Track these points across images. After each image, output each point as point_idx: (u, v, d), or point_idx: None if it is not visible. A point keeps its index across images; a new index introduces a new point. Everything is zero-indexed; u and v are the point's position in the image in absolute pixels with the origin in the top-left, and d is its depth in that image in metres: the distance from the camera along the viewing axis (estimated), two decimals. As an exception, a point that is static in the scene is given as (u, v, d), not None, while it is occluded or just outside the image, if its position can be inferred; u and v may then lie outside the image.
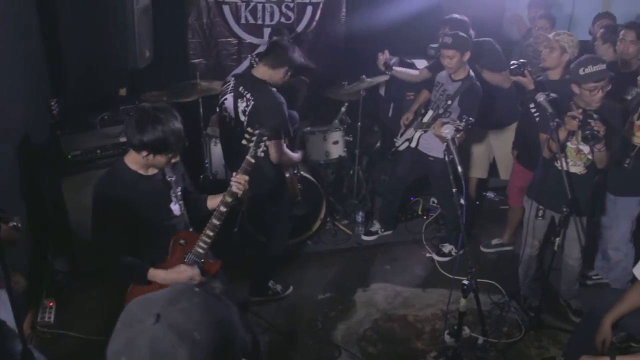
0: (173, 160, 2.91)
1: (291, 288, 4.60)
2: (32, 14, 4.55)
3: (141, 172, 2.94)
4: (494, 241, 5.32)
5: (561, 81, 4.26)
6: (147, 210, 2.93)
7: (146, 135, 2.73)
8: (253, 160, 3.08)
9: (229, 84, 4.06)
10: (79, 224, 4.23)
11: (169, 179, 3.03)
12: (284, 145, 3.98)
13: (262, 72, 3.92)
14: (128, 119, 2.84)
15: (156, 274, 2.92)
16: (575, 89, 3.79)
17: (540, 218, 4.09)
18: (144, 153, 2.79)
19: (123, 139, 4.53)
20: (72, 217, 4.29)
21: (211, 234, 2.99)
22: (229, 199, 3.01)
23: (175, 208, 3.06)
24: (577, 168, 3.95)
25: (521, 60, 4.27)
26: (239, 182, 3.01)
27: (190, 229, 3.15)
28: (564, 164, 3.80)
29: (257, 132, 3.10)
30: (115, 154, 4.44)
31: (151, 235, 2.97)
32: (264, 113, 3.83)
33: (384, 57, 5.12)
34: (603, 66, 3.67)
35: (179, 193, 3.09)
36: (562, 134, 3.76)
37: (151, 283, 2.94)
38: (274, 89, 3.92)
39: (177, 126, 2.81)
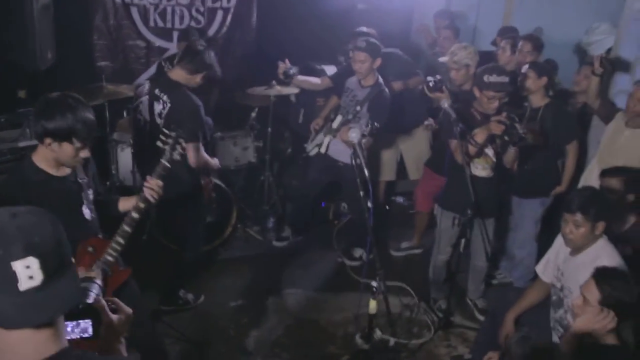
0: (82, 155, 2.71)
1: (202, 297, 4.51)
2: None
3: (51, 172, 2.75)
4: (404, 244, 5.41)
5: (471, 91, 4.44)
6: (56, 213, 2.76)
7: (51, 122, 2.56)
8: (168, 165, 2.98)
9: (144, 87, 3.96)
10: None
11: (80, 180, 2.86)
12: (202, 149, 3.89)
13: (177, 75, 3.84)
14: (34, 107, 2.66)
15: None
16: (476, 92, 3.99)
17: (457, 227, 4.16)
18: (48, 141, 2.60)
19: (22, 144, 4.33)
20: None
21: (122, 241, 2.86)
22: (141, 205, 2.90)
23: (87, 212, 2.90)
24: (485, 172, 4.09)
25: (437, 77, 4.35)
26: (152, 187, 2.91)
27: (100, 235, 2.99)
28: (471, 167, 3.96)
29: (173, 133, 3.01)
30: (12, 159, 4.22)
31: None
32: (181, 115, 3.75)
33: (284, 66, 5.11)
34: (506, 79, 3.88)
35: (90, 196, 2.93)
36: (481, 137, 3.86)
37: None
38: (191, 93, 3.84)
39: (88, 115, 2.65)
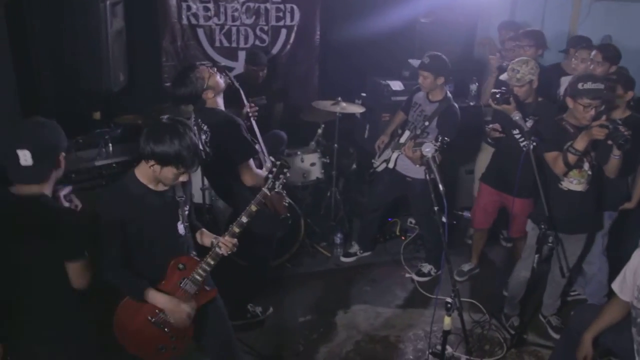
0: (182, 178, 2.81)
1: (271, 309, 4.53)
2: (3, 38, 4.47)
3: (151, 186, 2.84)
4: (465, 267, 5.25)
5: (534, 103, 4.38)
6: (153, 226, 2.85)
7: (159, 146, 2.66)
8: (269, 193, 3.05)
9: (191, 119, 3.95)
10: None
11: (178, 198, 2.94)
12: (252, 166, 3.83)
13: (210, 101, 3.79)
14: (146, 128, 2.77)
15: (156, 298, 2.85)
16: (569, 103, 3.84)
17: (551, 244, 4.05)
18: (151, 162, 2.71)
19: (98, 163, 4.48)
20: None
21: (212, 262, 2.95)
22: (211, 261, 2.98)
23: (181, 228, 2.98)
24: (580, 186, 3.97)
25: (503, 89, 4.30)
26: (226, 244, 2.98)
27: (193, 254, 3.06)
28: (566, 182, 3.94)
29: (278, 162, 3.04)
30: (90, 178, 4.36)
31: (153, 254, 2.90)
32: (222, 139, 3.74)
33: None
34: (601, 86, 3.73)
35: (186, 213, 3.01)
36: (582, 145, 3.72)
37: (146, 302, 2.87)
38: (229, 114, 3.82)
39: (194, 142, 2.74)
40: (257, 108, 4.34)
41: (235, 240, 3.00)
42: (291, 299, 4.80)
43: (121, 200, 2.80)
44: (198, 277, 2.94)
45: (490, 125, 4.62)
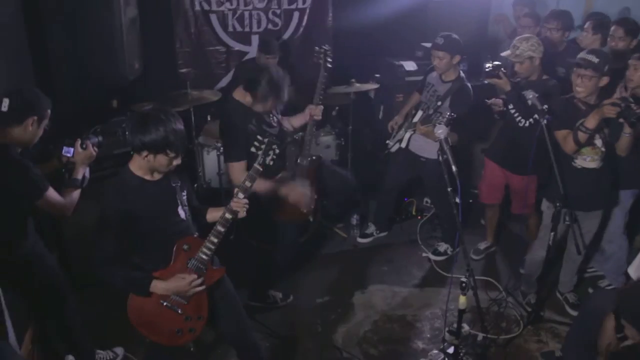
0: (175, 162, 2.90)
1: (291, 297, 4.59)
2: (21, 30, 4.54)
3: (146, 177, 2.94)
4: (481, 245, 5.27)
5: (538, 81, 4.36)
6: (154, 215, 2.93)
7: (147, 136, 2.76)
8: (261, 169, 3.06)
9: None
10: (75, 238, 4.23)
11: (173, 184, 3.03)
12: (238, 169, 3.86)
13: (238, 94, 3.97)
14: (128, 122, 2.89)
15: (157, 287, 2.93)
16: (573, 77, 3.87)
17: (568, 222, 4.05)
18: (145, 153, 2.81)
19: (117, 151, 4.54)
20: (68, 232, 4.29)
21: (215, 240, 2.99)
22: (228, 217, 3.00)
23: (182, 212, 3.05)
24: (594, 163, 3.96)
25: (495, 63, 4.30)
26: (238, 204, 3.01)
27: (196, 234, 3.12)
28: (579, 160, 3.94)
29: (266, 139, 3.08)
30: (108, 167, 4.43)
31: (158, 240, 2.97)
32: (221, 132, 4.07)
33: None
34: (595, 58, 3.75)
35: (184, 198, 3.08)
36: (592, 123, 3.70)
37: (152, 295, 2.95)
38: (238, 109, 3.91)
39: (179, 126, 2.84)
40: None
41: (244, 200, 3.02)
42: (308, 280, 4.86)
43: (120, 195, 2.88)
44: (204, 256, 2.99)
45: (492, 100, 4.63)
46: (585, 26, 4.99)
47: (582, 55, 3.83)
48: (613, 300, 3.39)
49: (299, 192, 4.00)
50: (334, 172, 4.60)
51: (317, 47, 4.39)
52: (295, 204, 4.02)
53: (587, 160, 3.96)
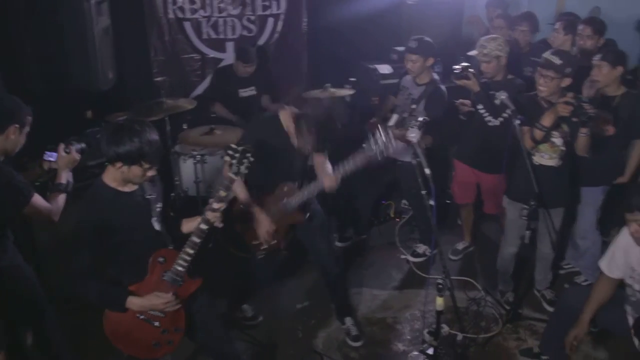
0: (149, 174, 2.87)
1: (261, 318, 4.45)
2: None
3: (120, 189, 2.91)
4: (459, 246, 5.31)
5: (504, 80, 4.42)
6: (129, 227, 2.90)
7: (121, 147, 2.73)
8: (235, 177, 2.97)
9: None
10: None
11: (148, 196, 3.01)
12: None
13: None
14: (102, 133, 2.86)
15: (132, 303, 2.91)
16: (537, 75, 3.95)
17: (525, 218, 4.10)
18: (119, 164, 2.78)
19: (91, 162, 4.51)
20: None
21: (191, 251, 2.95)
22: (204, 227, 2.95)
23: (157, 224, 3.04)
24: (552, 161, 4.03)
25: (463, 64, 4.34)
26: (213, 214, 2.94)
27: (171, 247, 3.11)
28: (537, 157, 3.99)
29: (240, 148, 2.96)
30: (84, 178, 4.40)
31: (133, 253, 2.94)
32: None
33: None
34: (558, 60, 3.82)
35: (159, 210, 3.07)
36: (548, 121, 3.80)
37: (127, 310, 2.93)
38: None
39: (154, 137, 2.81)
40: None
41: (219, 211, 2.96)
42: (288, 286, 4.85)
43: (94, 208, 2.86)
44: (180, 268, 2.96)
45: (460, 100, 4.67)
46: (556, 26, 5.06)
47: (546, 55, 3.90)
48: (581, 296, 3.46)
49: (265, 224, 3.82)
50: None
51: None
52: (257, 232, 3.87)
53: (545, 158, 4.03)
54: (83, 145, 3.57)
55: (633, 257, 3.26)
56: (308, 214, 4.00)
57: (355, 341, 4.22)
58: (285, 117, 3.79)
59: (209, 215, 2.94)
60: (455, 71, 4.32)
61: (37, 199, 3.18)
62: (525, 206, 4.00)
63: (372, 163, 3.73)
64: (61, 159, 3.42)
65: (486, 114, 4.37)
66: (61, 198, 3.36)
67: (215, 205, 2.94)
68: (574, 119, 3.71)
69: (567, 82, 3.84)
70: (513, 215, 4.26)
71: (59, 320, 3.67)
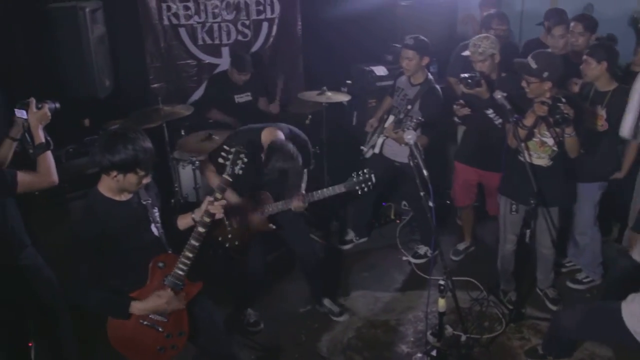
0: (144, 181, 2.87)
1: (262, 325, 4.42)
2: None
3: (116, 198, 2.91)
4: (460, 246, 5.32)
5: (498, 79, 4.43)
6: (127, 235, 2.90)
7: (116, 155, 2.72)
8: (230, 179, 3.02)
9: None
10: (50, 261, 4.18)
11: (144, 202, 3.00)
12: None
13: None
14: (96, 142, 2.84)
15: (135, 307, 2.91)
16: None
17: (515, 213, 4.13)
18: (114, 173, 2.77)
19: (90, 171, 4.49)
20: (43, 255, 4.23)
21: (190, 255, 2.97)
22: (207, 219, 2.99)
23: (155, 230, 3.03)
24: (541, 160, 4.03)
25: (472, 74, 4.29)
26: (216, 206, 2.99)
27: (169, 251, 3.10)
28: (526, 155, 3.93)
29: (233, 149, 3.02)
30: (82, 187, 4.39)
31: (133, 260, 2.94)
32: None
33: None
34: (534, 64, 3.81)
35: (156, 214, 3.06)
36: (529, 121, 3.83)
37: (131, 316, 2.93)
38: None
39: (147, 144, 2.81)
40: None
41: (224, 202, 3.02)
42: (290, 289, 4.85)
43: (91, 219, 2.85)
44: (180, 272, 2.97)
45: (458, 102, 4.58)
46: (572, 26, 4.94)
47: (528, 58, 3.87)
48: (577, 320, 3.43)
49: (233, 199, 3.92)
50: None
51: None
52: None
53: (534, 157, 4.03)
54: (57, 104, 3.52)
55: None
56: (274, 227, 4.10)
57: (339, 316, 4.42)
58: (266, 135, 3.85)
59: (211, 207, 2.98)
60: (468, 80, 4.22)
61: (22, 177, 3.15)
62: (514, 202, 4.02)
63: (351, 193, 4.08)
64: (32, 115, 3.32)
65: (497, 118, 4.36)
66: (48, 157, 3.29)
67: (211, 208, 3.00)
68: (551, 119, 3.71)
69: (547, 85, 3.82)
70: (504, 210, 4.28)
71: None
